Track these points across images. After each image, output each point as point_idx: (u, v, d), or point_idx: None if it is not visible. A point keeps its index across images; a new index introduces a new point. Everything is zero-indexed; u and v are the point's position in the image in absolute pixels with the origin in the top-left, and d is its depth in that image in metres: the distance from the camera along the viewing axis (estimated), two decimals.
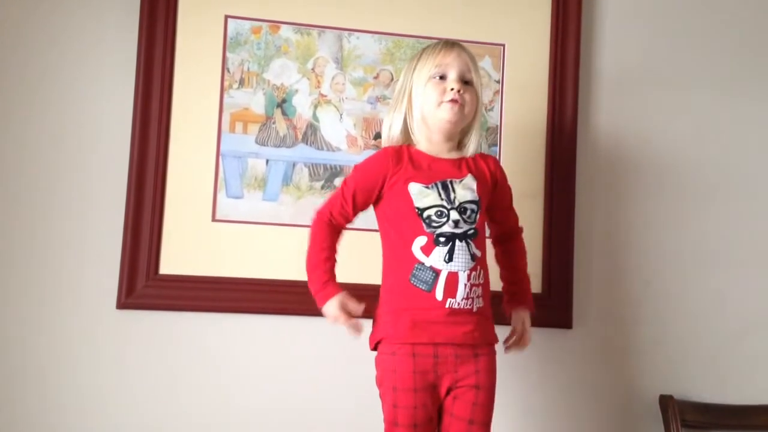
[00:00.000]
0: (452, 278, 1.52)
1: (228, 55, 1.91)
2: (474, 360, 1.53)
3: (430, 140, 1.62)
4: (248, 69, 1.92)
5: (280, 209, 1.90)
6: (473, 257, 1.55)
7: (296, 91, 1.94)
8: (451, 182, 1.57)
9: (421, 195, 1.55)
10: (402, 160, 1.58)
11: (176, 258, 1.85)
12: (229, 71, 1.91)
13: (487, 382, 1.54)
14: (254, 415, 1.87)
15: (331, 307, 1.56)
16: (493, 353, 1.59)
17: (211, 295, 1.85)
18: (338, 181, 1.92)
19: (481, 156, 1.66)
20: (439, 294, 1.51)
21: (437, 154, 1.61)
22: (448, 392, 1.53)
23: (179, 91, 1.88)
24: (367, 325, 1.61)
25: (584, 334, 2.01)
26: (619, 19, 2.10)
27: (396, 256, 1.56)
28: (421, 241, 1.54)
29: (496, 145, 1.97)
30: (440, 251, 1.53)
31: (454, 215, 1.55)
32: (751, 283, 2.09)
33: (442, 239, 1.53)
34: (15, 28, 1.85)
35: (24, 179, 1.83)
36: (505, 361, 1.88)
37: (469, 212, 1.57)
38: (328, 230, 1.62)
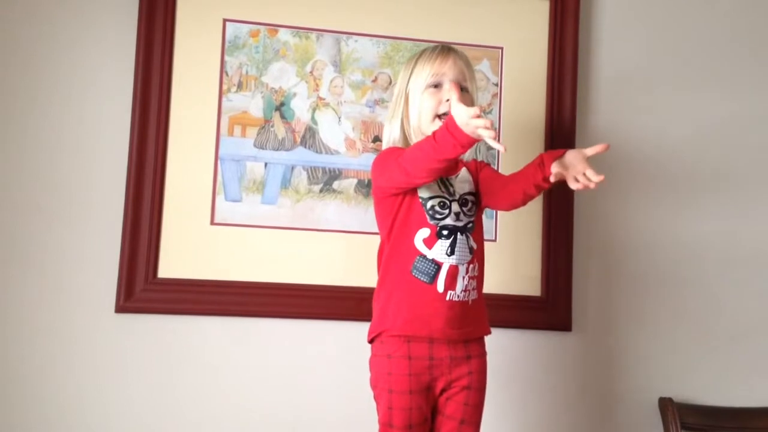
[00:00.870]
0: (453, 271, 1.54)
1: (226, 58, 1.91)
2: (467, 362, 1.55)
3: None
4: (247, 72, 1.92)
5: (279, 212, 1.90)
6: (471, 250, 1.57)
7: (295, 94, 1.94)
8: (447, 178, 1.59)
9: (425, 185, 1.56)
10: None
11: (175, 261, 1.85)
12: (227, 75, 1.91)
13: (478, 383, 1.57)
14: (252, 417, 1.87)
15: (462, 107, 1.37)
16: (485, 355, 1.60)
17: (210, 299, 1.85)
18: (337, 184, 1.92)
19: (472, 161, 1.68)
20: (440, 286, 1.53)
21: None
22: (441, 393, 1.55)
23: (178, 95, 1.88)
24: (367, 323, 1.61)
25: (583, 337, 2.01)
26: (616, 21, 2.11)
27: (397, 248, 1.57)
28: (423, 233, 1.55)
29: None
30: (442, 244, 1.54)
31: (455, 207, 1.57)
32: (751, 285, 2.10)
33: (444, 232, 1.55)
34: (12, 34, 1.85)
35: (22, 182, 1.83)
36: (504, 364, 1.89)
37: (470, 204, 1.60)
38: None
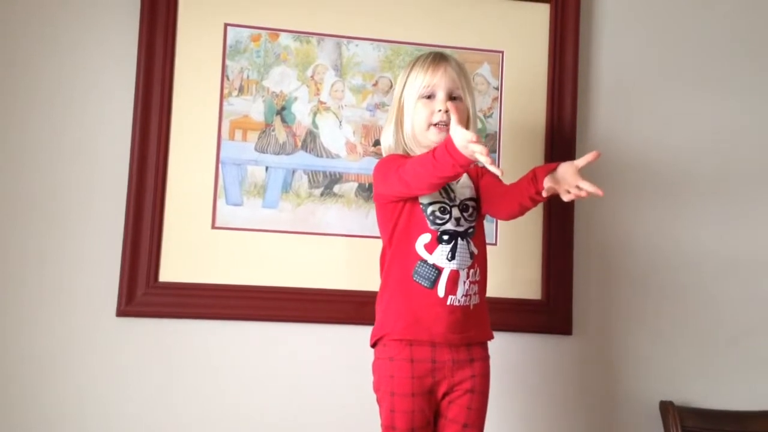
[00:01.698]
0: (454, 276, 1.54)
1: (227, 62, 1.92)
2: (470, 365, 1.56)
3: (424, 151, 1.63)
4: (248, 77, 1.92)
5: (280, 216, 1.90)
6: (471, 255, 1.58)
7: (296, 98, 1.94)
8: (448, 183, 1.59)
9: None
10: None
11: (176, 265, 1.85)
12: (228, 79, 1.91)
13: (481, 386, 1.57)
14: (254, 421, 1.87)
15: (460, 131, 1.38)
16: (488, 358, 1.60)
17: (211, 303, 1.85)
18: (338, 188, 1.92)
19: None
20: (441, 291, 1.54)
21: None
22: (443, 396, 1.56)
23: (179, 99, 1.89)
24: (368, 327, 1.61)
25: (584, 340, 2.01)
26: (616, 25, 2.11)
27: (398, 253, 1.58)
28: (425, 238, 1.56)
29: (495, 151, 1.98)
30: (443, 249, 1.55)
31: (456, 212, 1.58)
32: (751, 288, 2.10)
33: (445, 237, 1.56)
34: (14, 36, 1.86)
35: (24, 186, 1.83)
36: (505, 367, 1.89)
37: (470, 210, 1.61)
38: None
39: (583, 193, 1.44)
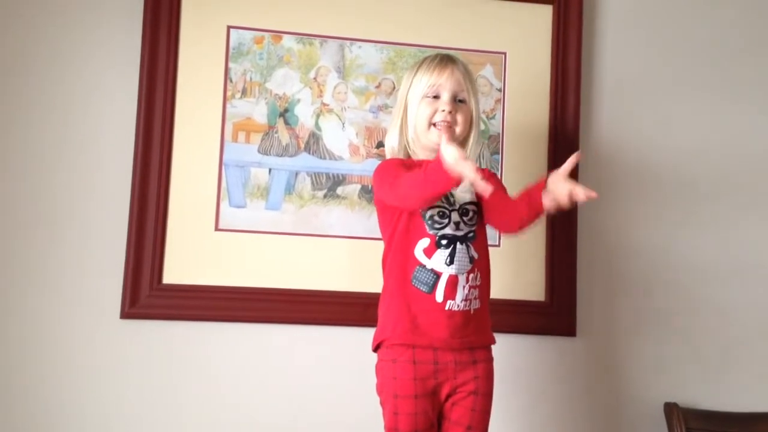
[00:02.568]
0: (452, 281, 1.54)
1: (230, 65, 1.92)
2: (473, 366, 1.55)
3: (426, 154, 1.63)
4: (251, 79, 1.93)
5: (283, 218, 1.90)
6: (471, 260, 1.57)
7: (298, 100, 1.94)
8: None
9: None
10: (406, 166, 1.60)
11: (179, 267, 1.85)
12: (231, 81, 1.92)
13: (485, 388, 1.56)
14: (258, 424, 1.87)
15: (450, 149, 1.39)
16: (491, 360, 1.60)
17: (215, 305, 1.85)
18: (341, 190, 1.92)
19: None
20: (439, 296, 1.53)
21: None
22: (447, 398, 1.55)
23: (182, 101, 1.89)
24: (372, 329, 1.62)
25: (588, 342, 2.01)
26: (619, 26, 2.11)
27: (397, 257, 1.58)
28: (424, 243, 1.55)
29: (498, 153, 1.98)
30: (442, 254, 1.54)
31: (455, 216, 1.57)
32: (756, 290, 2.09)
33: (444, 241, 1.55)
34: (17, 38, 1.86)
35: (27, 189, 1.84)
36: (508, 369, 1.88)
37: (471, 214, 1.60)
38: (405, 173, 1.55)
39: (580, 198, 1.45)
